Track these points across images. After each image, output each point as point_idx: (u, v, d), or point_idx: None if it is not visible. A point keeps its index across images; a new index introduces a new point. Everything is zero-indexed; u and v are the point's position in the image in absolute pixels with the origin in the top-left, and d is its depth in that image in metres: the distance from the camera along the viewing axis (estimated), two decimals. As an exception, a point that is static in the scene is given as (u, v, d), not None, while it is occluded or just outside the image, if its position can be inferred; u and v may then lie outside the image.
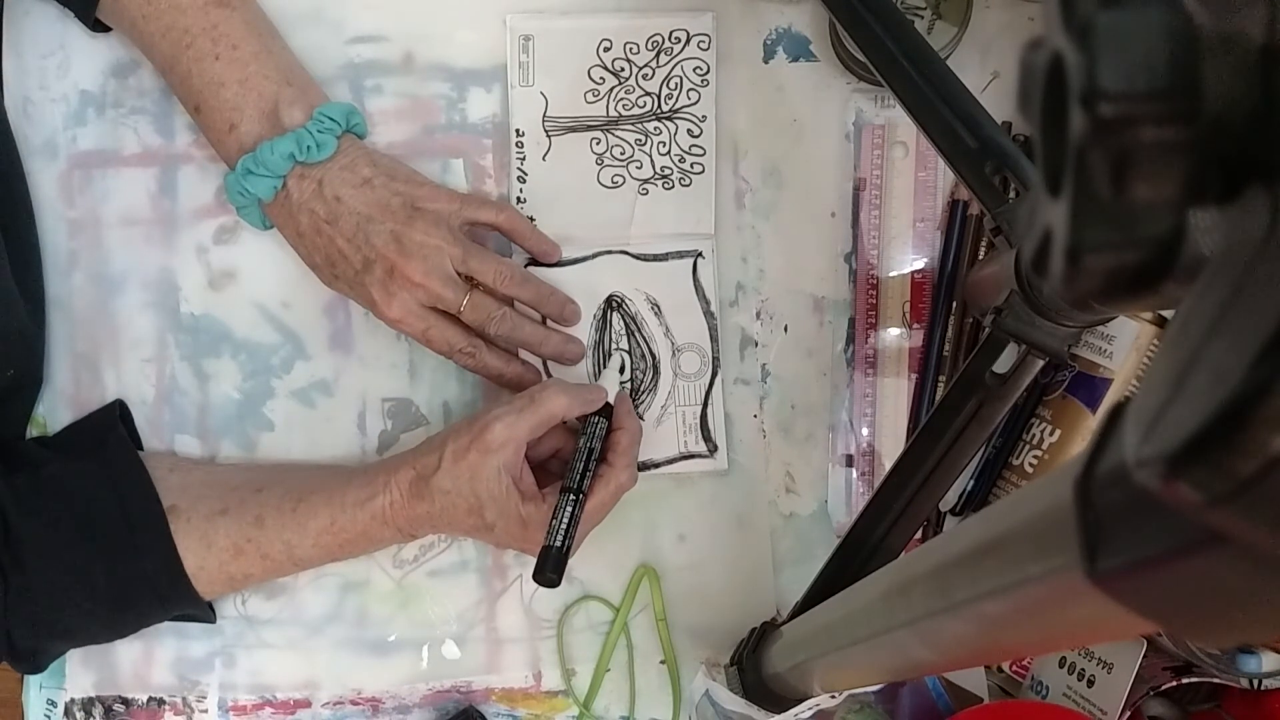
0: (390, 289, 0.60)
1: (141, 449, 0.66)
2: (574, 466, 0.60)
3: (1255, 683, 0.60)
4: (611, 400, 0.63)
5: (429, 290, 0.60)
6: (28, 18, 0.67)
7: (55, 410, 0.67)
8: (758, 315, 0.68)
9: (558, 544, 0.58)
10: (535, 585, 0.67)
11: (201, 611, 0.64)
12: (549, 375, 0.67)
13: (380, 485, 0.60)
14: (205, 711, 0.67)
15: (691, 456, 0.67)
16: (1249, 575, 0.19)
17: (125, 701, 0.67)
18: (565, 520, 0.58)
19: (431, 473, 0.59)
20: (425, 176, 0.64)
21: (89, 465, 0.61)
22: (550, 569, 0.58)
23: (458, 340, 0.62)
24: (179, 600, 0.61)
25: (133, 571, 0.59)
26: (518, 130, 0.67)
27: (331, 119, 0.61)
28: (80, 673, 0.67)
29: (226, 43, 0.60)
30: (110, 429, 0.64)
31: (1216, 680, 0.61)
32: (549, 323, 0.66)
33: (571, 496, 0.59)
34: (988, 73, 0.67)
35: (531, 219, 0.67)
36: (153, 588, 0.60)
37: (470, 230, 0.64)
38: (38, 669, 0.63)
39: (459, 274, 0.61)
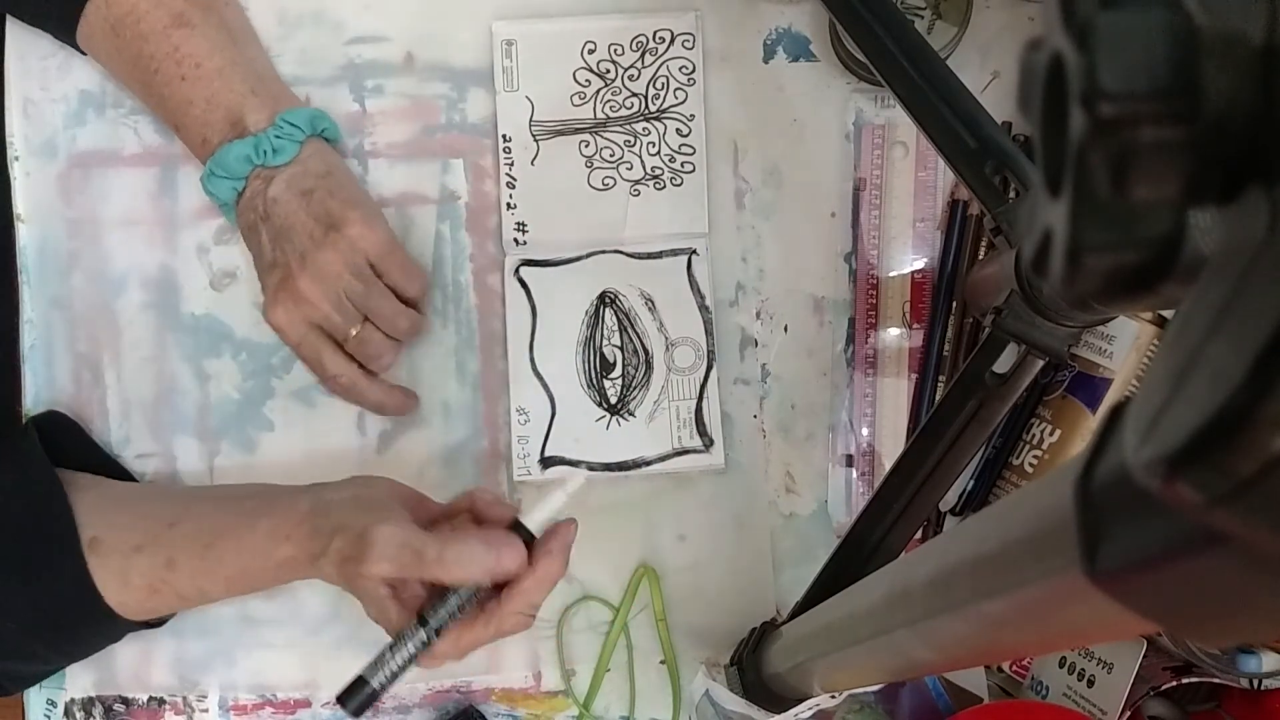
0: (279, 296, 0.60)
1: (92, 453, 0.66)
2: (445, 600, 0.53)
3: (1255, 683, 0.60)
4: (544, 523, 0.55)
5: (319, 309, 0.60)
6: (28, 18, 0.67)
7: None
8: (758, 315, 0.68)
9: (375, 685, 0.52)
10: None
11: (141, 629, 0.62)
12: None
13: (281, 537, 0.57)
14: (206, 711, 0.67)
15: (686, 452, 0.67)
16: (1249, 575, 0.19)
17: (125, 701, 0.67)
18: (397, 663, 0.52)
19: (318, 557, 0.55)
20: (370, 202, 0.64)
21: (3, 479, 0.60)
22: (355, 705, 0.52)
23: (331, 364, 0.62)
24: (102, 625, 0.59)
25: (50, 596, 0.57)
26: (505, 135, 0.67)
27: (292, 124, 0.61)
28: (80, 672, 0.67)
29: (190, 63, 0.61)
30: (23, 438, 0.62)
31: (1216, 680, 0.61)
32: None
33: (421, 635, 0.52)
34: (988, 73, 0.67)
35: (523, 225, 0.67)
36: (74, 613, 0.58)
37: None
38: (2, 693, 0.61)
39: (354, 305, 0.61)
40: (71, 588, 0.57)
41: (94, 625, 0.59)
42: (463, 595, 0.53)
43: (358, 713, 0.52)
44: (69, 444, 0.65)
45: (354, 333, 0.61)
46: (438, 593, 0.54)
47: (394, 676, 0.52)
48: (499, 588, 0.54)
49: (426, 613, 0.53)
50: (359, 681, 0.52)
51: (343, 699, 0.53)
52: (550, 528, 0.56)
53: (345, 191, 0.62)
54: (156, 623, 0.64)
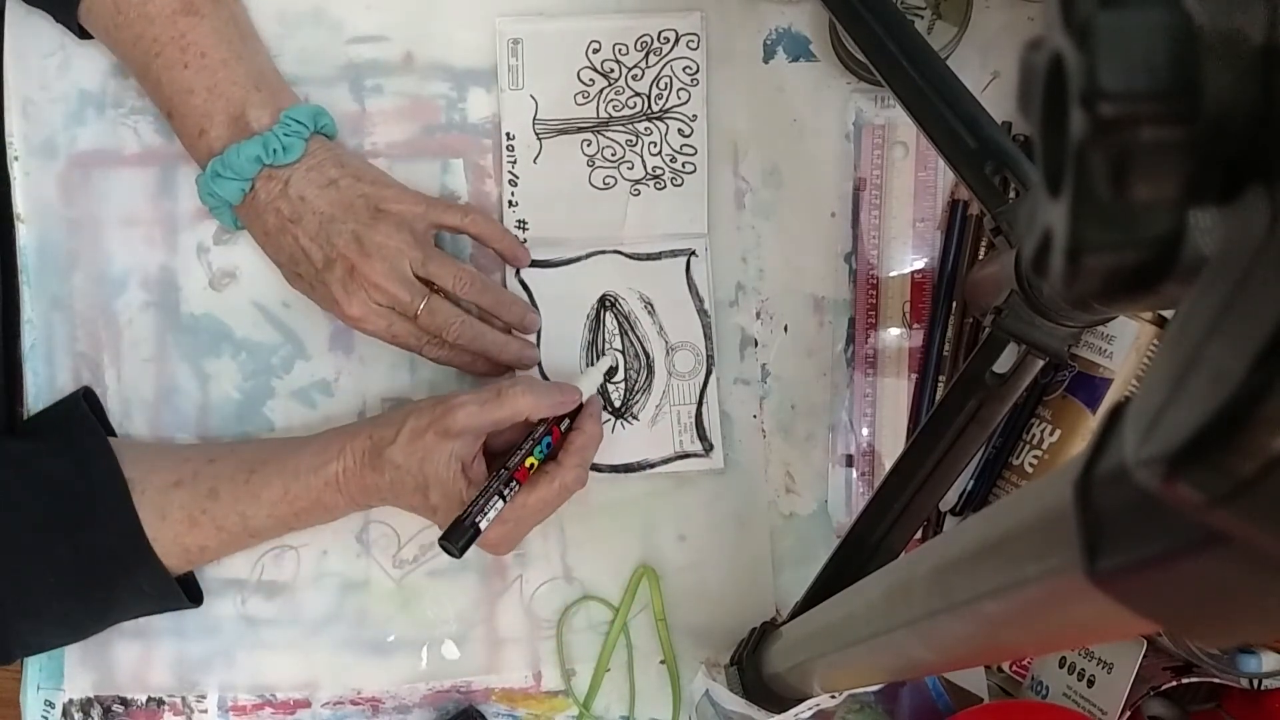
0: (350, 288, 0.61)
1: (114, 435, 0.67)
2: (516, 449, 0.60)
3: (1255, 683, 0.60)
4: (584, 400, 0.63)
5: (386, 292, 0.60)
6: (29, 18, 0.67)
7: (55, 410, 0.67)
8: (758, 315, 0.68)
9: (480, 525, 0.57)
10: (535, 585, 0.68)
11: (172, 592, 0.62)
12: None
13: (335, 452, 0.60)
14: (205, 712, 0.67)
15: (687, 456, 0.67)
16: (1249, 575, 0.19)
17: (124, 702, 0.67)
18: (490, 504, 0.57)
19: (387, 445, 0.59)
20: (393, 179, 0.65)
21: (54, 443, 0.62)
22: (457, 541, 0.57)
23: (423, 334, 0.63)
24: (142, 570, 0.60)
25: (95, 541, 0.59)
26: (508, 134, 0.67)
27: (298, 122, 0.61)
28: (78, 673, 0.67)
29: (195, 51, 0.61)
30: (74, 408, 0.65)
31: (1216, 680, 0.61)
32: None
33: (504, 475, 0.59)
34: (988, 73, 0.67)
35: (524, 223, 0.67)
36: (115, 557, 0.59)
37: (439, 234, 0.64)
38: (8, 658, 0.62)
39: (419, 278, 0.62)
40: (113, 523, 0.59)
41: (133, 570, 0.60)
42: (529, 446, 0.60)
43: (463, 551, 0.57)
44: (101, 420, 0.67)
45: (422, 306, 0.61)
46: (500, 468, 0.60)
47: (489, 518, 0.57)
48: (556, 455, 0.61)
49: (504, 462, 0.59)
50: (459, 526, 0.57)
51: (446, 539, 0.57)
52: (589, 400, 0.64)
53: (369, 174, 0.63)
54: (184, 602, 0.63)
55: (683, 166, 0.67)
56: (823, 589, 0.55)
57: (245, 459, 0.62)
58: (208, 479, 0.61)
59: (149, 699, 0.67)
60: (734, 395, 0.68)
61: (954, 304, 0.67)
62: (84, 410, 0.65)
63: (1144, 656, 0.61)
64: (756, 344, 0.68)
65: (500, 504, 0.58)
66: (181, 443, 0.67)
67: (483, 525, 0.57)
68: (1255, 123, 0.18)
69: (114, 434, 0.67)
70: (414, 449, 0.59)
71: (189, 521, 0.60)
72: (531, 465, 0.60)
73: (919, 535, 0.61)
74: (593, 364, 0.67)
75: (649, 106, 0.67)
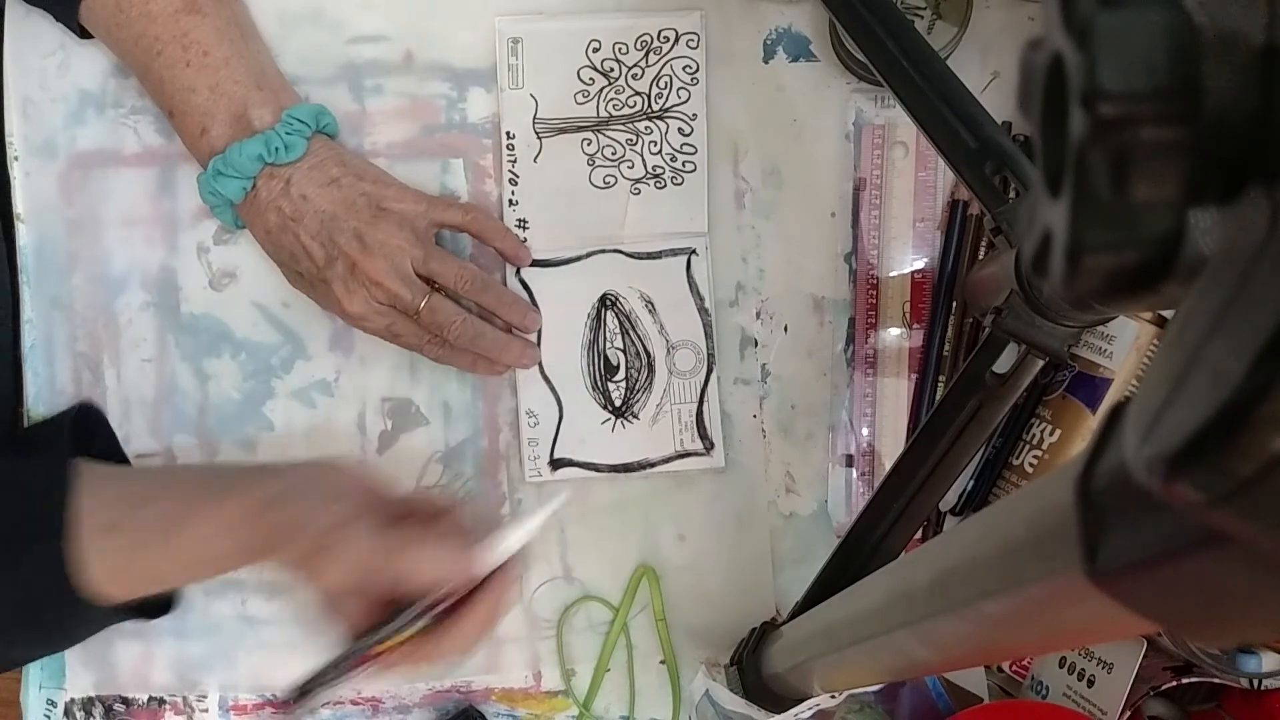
0: (351, 286, 0.61)
1: (117, 446, 0.66)
2: (389, 621, 0.49)
3: (1255, 683, 0.60)
4: (498, 562, 0.50)
5: (387, 290, 0.60)
6: (29, 18, 0.67)
7: (56, 411, 0.67)
8: (758, 315, 0.68)
9: (306, 686, 0.49)
10: (536, 584, 0.68)
11: (123, 618, 0.59)
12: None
13: (238, 527, 0.52)
14: (206, 711, 0.67)
15: (688, 455, 0.67)
16: (1249, 575, 0.19)
17: (125, 701, 0.67)
18: (330, 673, 0.49)
19: (269, 553, 0.51)
20: (394, 178, 0.65)
21: (14, 467, 0.57)
22: (295, 697, 0.49)
23: (424, 332, 0.63)
24: (79, 613, 0.55)
25: (25, 584, 0.54)
26: (508, 133, 0.67)
27: (300, 120, 0.61)
28: (80, 672, 0.67)
29: (197, 49, 0.61)
30: (57, 432, 0.62)
31: (1216, 680, 0.61)
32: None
33: (358, 663, 0.49)
34: (988, 73, 0.67)
35: (524, 222, 0.67)
36: (47, 599, 0.54)
37: (440, 233, 0.64)
38: None
39: (420, 276, 0.62)
40: (45, 576, 0.53)
41: (71, 614, 0.55)
42: (405, 619, 0.48)
43: (294, 702, 0.49)
44: (98, 436, 0.65)
45: (423, 304, 0.61)
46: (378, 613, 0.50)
47: (324, 684, 0.49)
48: (442, 616, 0.49)
49: (369, 632, 0.49)
50: (308, 683, 0.49)
51: (287, 698, 0.49)
52: (505, 564, 0.50)
53: (371, 173, 0.64)
54: (150, 612, 0.61)
55: (683, 166, 0.67)
56: (823, 589, 0.55)
57: (169, 510, 0.54)
58: (129, 531, 0.54)
59: (150, 698, 0.67)
60: (734, 395, 0.68)
61: (954, 304, 0.67)
62: (63, 435, 0.61)
63: (1144, 656, 0.61)
64: (756, 344, 0.68)
65: (338, 671, 0.48)
66: (152, 465, 0.66)
67: (322, 695, 0.48)
68: (1255, 123, 0.18)
69: (116, 440, 0.67)
70: (294, 575, 0.50)
71: (115, 570, 0.53)
72: (407, 639, 0.48)
73: (919, 535, 0.61)
74: (598, 365, 0.66)
75: (649, 106, 0.67)
